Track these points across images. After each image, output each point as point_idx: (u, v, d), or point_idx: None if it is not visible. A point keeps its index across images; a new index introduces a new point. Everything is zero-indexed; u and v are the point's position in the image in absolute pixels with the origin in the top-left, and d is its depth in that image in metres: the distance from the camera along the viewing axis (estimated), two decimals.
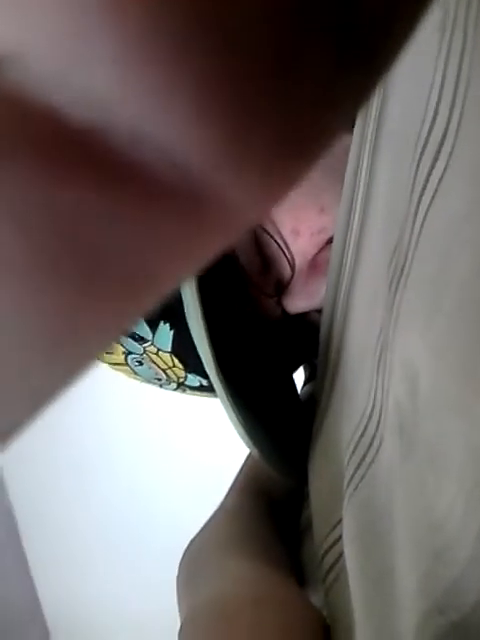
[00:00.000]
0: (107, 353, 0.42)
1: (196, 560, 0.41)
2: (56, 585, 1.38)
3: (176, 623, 0.38)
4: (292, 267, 0.42)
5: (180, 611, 0.38)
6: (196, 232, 0.08)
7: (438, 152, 0.24)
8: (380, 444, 0.29)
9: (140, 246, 0.07)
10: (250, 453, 0.52)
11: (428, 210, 0.25)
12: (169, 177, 0.07)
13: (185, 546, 0.44)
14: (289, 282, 0.43)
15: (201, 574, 0.39)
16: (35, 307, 0.07)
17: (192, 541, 0.44)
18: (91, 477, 1.30)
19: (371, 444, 0.30)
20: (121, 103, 0.07)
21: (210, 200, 0.07)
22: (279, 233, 0.41)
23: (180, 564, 0.42)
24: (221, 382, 0.37)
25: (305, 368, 0.56)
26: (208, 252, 0.08)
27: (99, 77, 0.07)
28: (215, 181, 0.07)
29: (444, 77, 0.24)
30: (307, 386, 0.54)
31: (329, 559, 0.35)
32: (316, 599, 0.37)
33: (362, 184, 0.34)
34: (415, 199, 0.26)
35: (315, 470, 0.40)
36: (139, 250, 0.07)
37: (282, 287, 0.43)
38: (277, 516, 0.46)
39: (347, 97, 0.08)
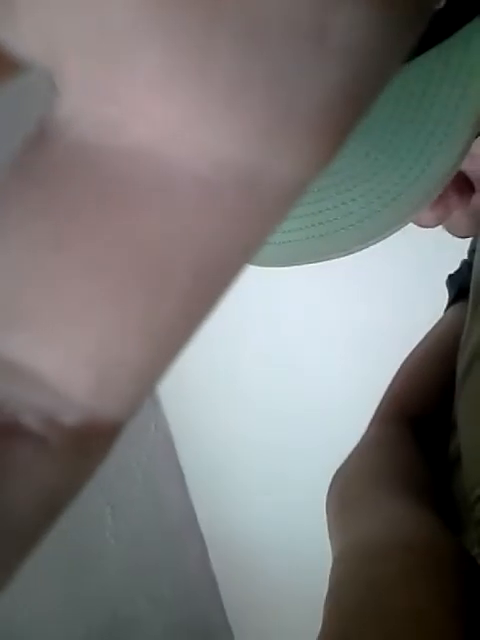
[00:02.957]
0: None
1: (346, 491, 0.41)
2: (211, 497, 1.46)
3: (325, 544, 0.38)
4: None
5: (331, 540, 0.38)
6: (261, 210, 0.08)
7: None
8: None
9: (225, 235, 0.08)
10: (392, 381, 0.51)
11: None
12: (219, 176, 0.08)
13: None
14: None
15: (351, 509, 0.39)
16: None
17: (339, 470, 0.44)
18: (245, 388, 1.32)
19: None
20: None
21: (267, 180, 0.08)
22: None
23: (328, 493, 0.42)
24: None
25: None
26: (279, 219, 0.09)
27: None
28: (265, 164, 0.08)
29: None
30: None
31: None
32: (467, 538, 0.36)
33: None
34: None
35: (466, 412, 0.38)
36: (224, 240, 0.08)
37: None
38: (423, 443, 0.45)
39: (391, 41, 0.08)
